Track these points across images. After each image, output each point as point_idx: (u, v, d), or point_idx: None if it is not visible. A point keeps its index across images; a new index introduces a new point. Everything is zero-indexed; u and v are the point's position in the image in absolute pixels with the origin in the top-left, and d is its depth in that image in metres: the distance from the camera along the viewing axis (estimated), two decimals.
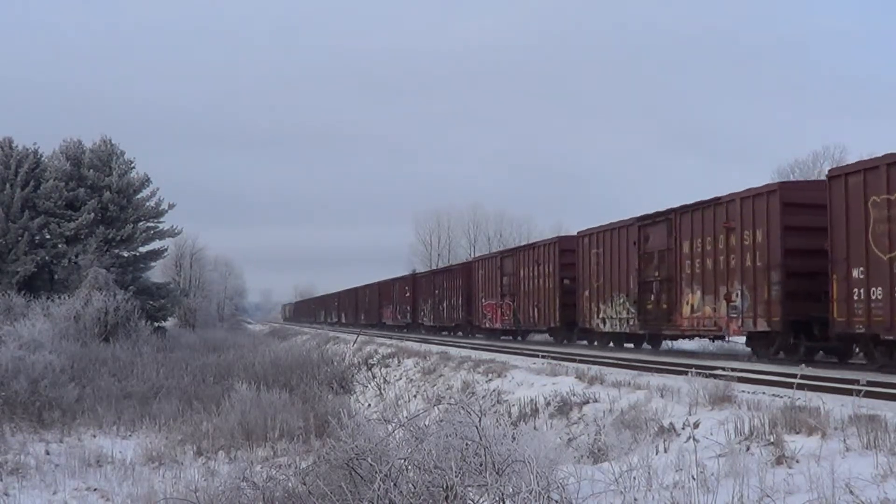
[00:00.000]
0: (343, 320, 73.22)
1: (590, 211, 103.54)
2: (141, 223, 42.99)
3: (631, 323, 22.89)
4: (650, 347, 23.94)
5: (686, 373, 11.37)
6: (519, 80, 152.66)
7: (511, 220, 79.20)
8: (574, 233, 27.83)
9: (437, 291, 42.78)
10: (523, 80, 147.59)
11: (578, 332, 27.41)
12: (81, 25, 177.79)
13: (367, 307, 61.90)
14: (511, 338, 33.62)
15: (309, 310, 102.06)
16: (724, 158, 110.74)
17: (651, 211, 21.95)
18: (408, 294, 48.47)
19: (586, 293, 25.58)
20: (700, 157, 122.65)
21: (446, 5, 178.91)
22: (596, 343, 26.18)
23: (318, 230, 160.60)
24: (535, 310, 29.36)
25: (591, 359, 18.04)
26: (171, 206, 44.05)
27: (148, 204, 43.47)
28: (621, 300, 23.40)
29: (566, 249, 27.48)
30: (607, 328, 24.55)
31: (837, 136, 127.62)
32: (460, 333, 39.21)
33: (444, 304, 41.35)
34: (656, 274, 21.35)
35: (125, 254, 43.02)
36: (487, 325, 34.71)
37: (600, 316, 24.67)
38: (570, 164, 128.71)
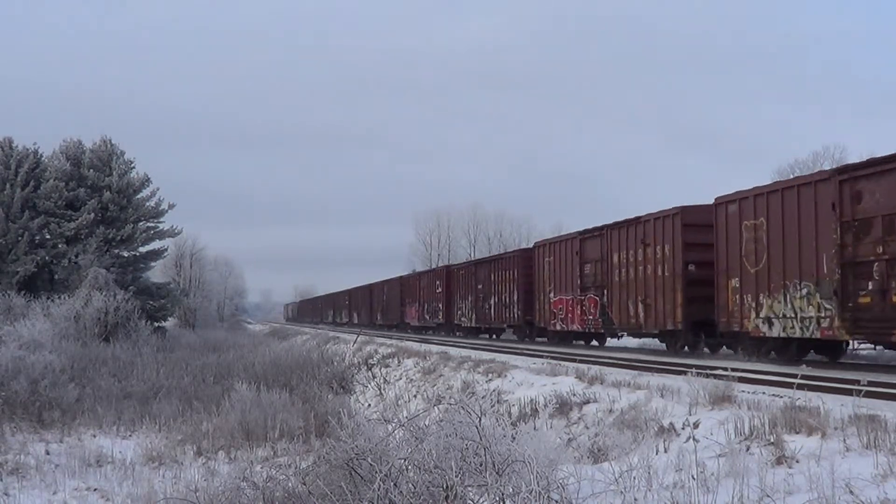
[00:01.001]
0: (356, 321, 65.20)
1: (590, 211, 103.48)
2: (141, 223, 43.01)
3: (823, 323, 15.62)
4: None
5: (686, 373, 11.38)
6: (519, 80, 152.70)
7: (511, 220, 79.18)
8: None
9: (479, 286, 35.50)
10: (523, 81, 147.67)
11: (721, 337, 19.39)
12: (81, 25, 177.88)
13: (385, 305, 55.03)
14: (597, 343, 27.40)
15: (315, 309, 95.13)
16: (725, 159, 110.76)
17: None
18: (439, 289, 41.50)
19: (734, 282, 18.09)
20: (701, 158, 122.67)
21: (446, 5, 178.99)
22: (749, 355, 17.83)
23: (318, 230, 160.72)
24: (639, 306, 21.99)
25: (592, 359, 18.05)
26: (171, 206, 44.15)
27: (148, 204, 43.50)
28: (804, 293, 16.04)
29: (693, 224, 20.10)
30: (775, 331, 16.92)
31: (837, 137, 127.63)
32: (515, 337, 32.88)
33: (492, 301, 33.91)
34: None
35: (125, 254, 43.04)
36: (559, 327, 27.33)
37: (762, 314, 17.14)
38: (570, 165, 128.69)
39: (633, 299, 22.56)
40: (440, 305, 41.34)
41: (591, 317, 24.83)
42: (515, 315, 31.37)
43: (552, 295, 27.72)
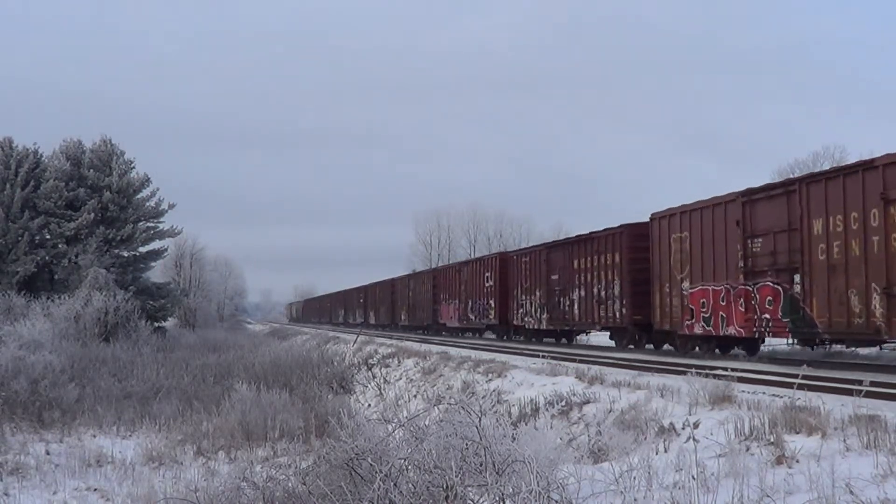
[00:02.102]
0: (373, 321, 58.21)
1: (590, 211, 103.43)
2: (141, 223, 43.01)
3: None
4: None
5: (686, 373, 11.38)
6: (519, 80, 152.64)
7: (511, 220, 79.08)
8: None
9: (554, 276, 27.47)
10: (524, 81, 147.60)
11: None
12: (82, 25, 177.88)
13: (412, 303, 47.19)
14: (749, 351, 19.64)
15: (322, 308, 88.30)
16: (726, 159, 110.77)
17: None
18: (490, 282, 33.77)
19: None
20: (701, 158, 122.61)
21: (447, 6, 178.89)
22: None
23: (318, 230, 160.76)
24: (874, 297, 14.30)
25: (591, 359, 18.06)
26: (171, 206, 44.15)
27: (148, 204, 43.49)
28: None
29: None
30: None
31: (837, 137, 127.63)
32: (613, 343, 25.08)
33: (575, 296, 25.78)
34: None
35: (125, 254, 43.03)
36: (701, 330, 19.44)
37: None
38: (570, 165, 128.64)
39: (858, 287, 14.55)
40: (491, 302, 33.37)
41: (765, 315, 17.15)
42: (616, 313, 23.41)
43: (686, 284, 19.94)
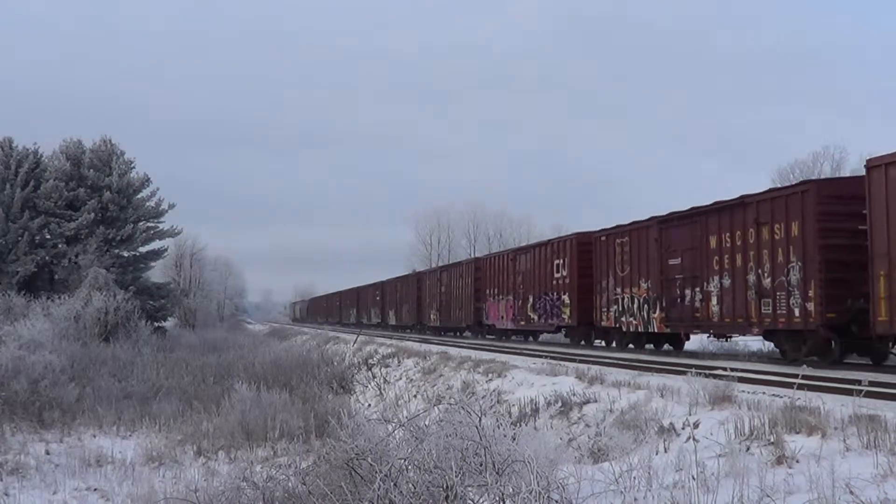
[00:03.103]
0: (392, 321, 51.62)
1: (590, 211, 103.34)
2: (141, 223, 43.01)
3: None
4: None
5: (686, 373, 11.38)
6: (519, 80, 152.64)
7: (511, 220, 78.95)
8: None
9: (673, 261, 20.54)
10: (523, 81, 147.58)
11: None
12: (82, 25, 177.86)
13: (444, 301, 39.82)
14: None
15: (330, 307, 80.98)
16: (727, 159, 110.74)
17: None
18: (563, 272, 26.44)
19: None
20: (701, 158, 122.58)
21: (448, 6, 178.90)
22: None
23: (318, 230, 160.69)
24: None
25: (591, 359, 18.05)
26: (171, 206, 44.16)
27: (148, 204, 43.50)
28: None
29: None
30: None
31: (838, 137, 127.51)
32: (780, 350, 18.00)
33: (715, 286, 18.74)
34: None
35: (125, 254, 43.03)
36: None
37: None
38: (569, 165, 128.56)
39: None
40: (565, 297, 26.30)
41: None
42: (795, 310, 16.31)
43: None
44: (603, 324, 24.34)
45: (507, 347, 25.86)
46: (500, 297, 32.20)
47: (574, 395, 12.39)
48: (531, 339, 32.29)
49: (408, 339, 33.10)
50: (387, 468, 6.15)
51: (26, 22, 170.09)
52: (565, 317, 26.36)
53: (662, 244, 21.04)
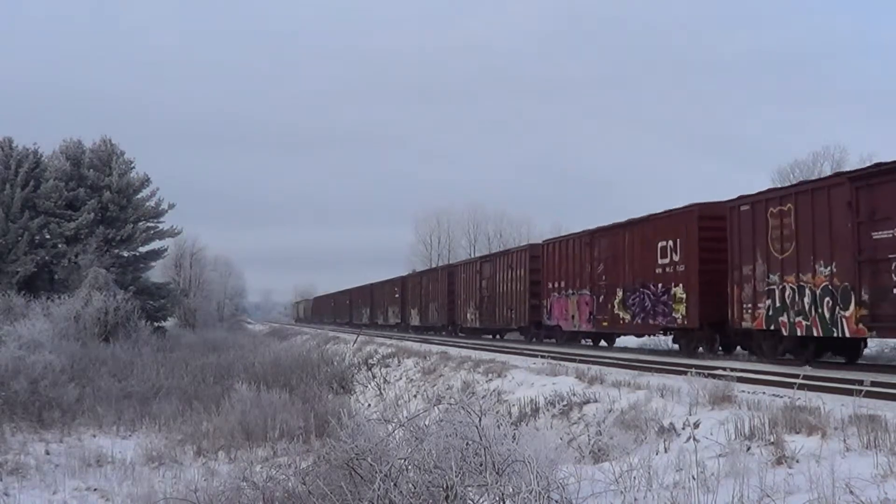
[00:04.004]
0: (414, 321, 46.34)
1: (590, 211, 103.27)
2: (141, 223, 43.02)
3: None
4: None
5: (686, 373, 11.38)
6: (519, 80, 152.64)
7: (511, 220, 78.87)
8: None
9: (882, 234, 13.83)
10: (523, 81, 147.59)
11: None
12: (82, 25, 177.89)
13: (485, 297, 34.18)
14: None
15: (339, 307, 74.59)
16: (727, 159, 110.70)
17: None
18: (672, 256, 20.53)
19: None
20: (701, 157, 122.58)
21: (449, 7, 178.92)
22: None
23: (318, 230, 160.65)
24: None
25: (591, 359, 18.05)
26: (171, 206, 44.15)
27: (148, 204, 43.50)
28: None
29: None
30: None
31: (838, 137, 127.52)
32: None
33: None
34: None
35: (125, 254, 43.04)
36: None
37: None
38: (569, 165, 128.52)
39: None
40: (676, 290, 20.17)
41: None
42: None
43: None
44: (744, 325, 17.67)
45: (508, 347, 25.83)
46: (568, 291, 26.39)
47: (574, 394, 12.39)
48: (604, 343, 26.71)
49: (408, 339, 33.10)
50: (387, 468, 6.15)
51: (26, 22, 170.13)
52: (678, 316, 20.09)
53: (861, 209, 14.34)
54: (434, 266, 61.53)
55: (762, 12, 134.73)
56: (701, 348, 19.51)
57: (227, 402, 17.22)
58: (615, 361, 17.68)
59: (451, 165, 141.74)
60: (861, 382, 9.43)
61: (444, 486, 6.00)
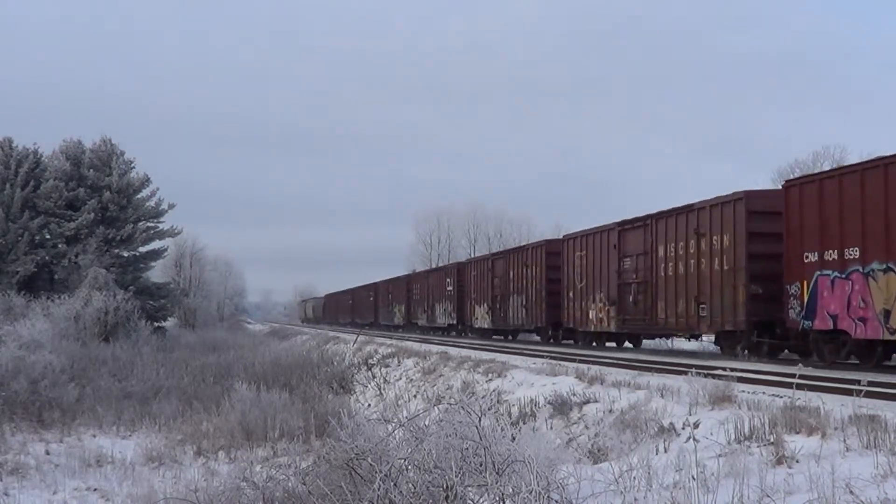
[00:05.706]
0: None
1: (589, 212, 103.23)
2: (141, 223, 43.05)
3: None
4: None
5: (686, 373, 11.37)
6: (519, 80, 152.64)
7: (511, 220, 78.82)
8: None
9: None
10: (524, 81, 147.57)
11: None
12: (81, 25, 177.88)
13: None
14: None
15: (359, 304, 63.29)
16: (727, 159, 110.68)
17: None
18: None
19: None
20: (700, 158, 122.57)
21: (450, 7, 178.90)
22: None
23: (318, 230, 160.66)
24: None
25: (591, 359, 18.04)
26: (171, 206, 44.21)
27: (148, 204, 43.53)
28: None
29: None
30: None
31: (838, 137, 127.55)
32: None
33: None
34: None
35: (125, 254, 43.07)
36: None
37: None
38: (569, 165, 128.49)
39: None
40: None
41: None
42: None
43: None
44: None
45: (507, 347, 25.85)
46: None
47: (574, 394, 12.38)
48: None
49: (407, 339, 33.08)
50: (387, 468, 6.15)
51: (26, 22, 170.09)
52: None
53: None
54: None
55: (762, 12, 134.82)
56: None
57: (227, 402, 17.21)
58: (615, 361, 17.66)
59: (451, 165, 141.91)
60: (860, 382, 9.41)
61: (444, 486, 6.00)
